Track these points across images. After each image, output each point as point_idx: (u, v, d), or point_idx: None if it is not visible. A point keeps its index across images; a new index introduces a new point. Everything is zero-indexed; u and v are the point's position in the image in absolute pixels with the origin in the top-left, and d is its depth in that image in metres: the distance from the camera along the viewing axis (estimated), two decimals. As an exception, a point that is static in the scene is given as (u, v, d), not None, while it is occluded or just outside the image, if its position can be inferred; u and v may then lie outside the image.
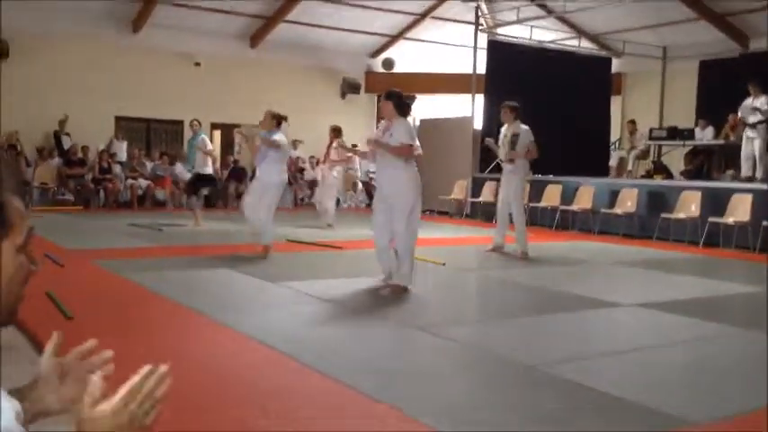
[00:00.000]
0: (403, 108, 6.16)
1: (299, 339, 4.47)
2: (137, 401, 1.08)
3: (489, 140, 9.24)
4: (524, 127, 8.48)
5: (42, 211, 13.28)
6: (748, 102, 11.59)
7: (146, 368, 1.13)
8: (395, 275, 6.10)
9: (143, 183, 15.09)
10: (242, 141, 16.59)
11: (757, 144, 11.51)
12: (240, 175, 15.82)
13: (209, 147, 11.43)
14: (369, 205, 16.97)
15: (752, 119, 11.51)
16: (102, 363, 1.25)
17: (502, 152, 8.72)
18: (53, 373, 1.22)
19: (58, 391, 1.22)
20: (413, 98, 6.63)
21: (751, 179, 11.42)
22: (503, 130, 8.73)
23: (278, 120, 8.11)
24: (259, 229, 8.00)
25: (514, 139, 8.43)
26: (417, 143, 6.14)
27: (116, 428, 1.05)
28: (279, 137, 7.94)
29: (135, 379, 1.10)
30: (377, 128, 6.71)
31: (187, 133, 15.99)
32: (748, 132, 11.65)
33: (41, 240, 8.96)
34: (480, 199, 14.20)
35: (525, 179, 8.75)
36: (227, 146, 17.31)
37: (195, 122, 11.53)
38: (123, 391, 1.08)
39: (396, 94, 6.17)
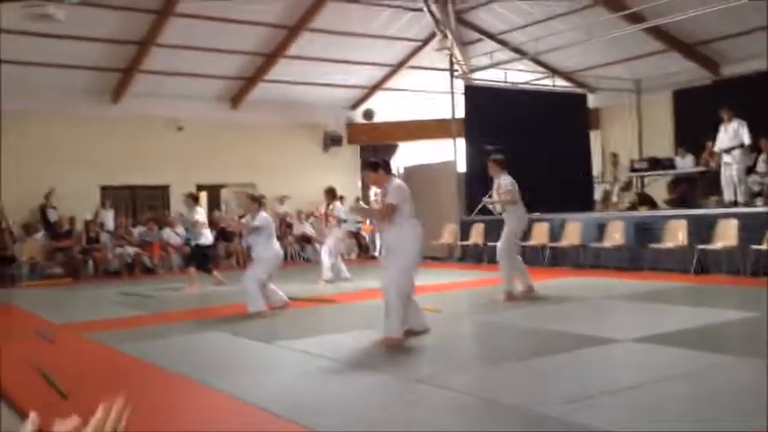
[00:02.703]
0: (390, 170, 6.37)
1: (296, 400, 4.43)
2: None
3: (486, 201, 9.45)
4: (504, 180, 8.66)
5: (32, 286, 13.19)
6: (722, 129, 11.83)
7: (102, 406, 1.11)
8: (384, 327, 6.09)
9: (131, 250, 15.03)
10: (229, 202, 16.73)
11: (734, 169, 11.68)
12: (228, 236, 15.81)
13: (198, 219, 11.38)
14: (359, 256, 17.00)
15: (727, 145, 11.73)
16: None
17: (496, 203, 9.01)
18: None
19: None
20: (395, 147, 6.75)
21: (735, 204, 11.54)
22: (495, 182, 8.91)
23: (258, 201, 8.58)
24: (249, 296, 8.11)
25: (499, 190, 8.68)
26: (393, 202, 6.17)
27: None
28: (260, 220, 8.28)
29: (97, 416, 1.09)
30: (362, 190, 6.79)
31: (174, 197, 16.10)
32: (725, 158, 11.85)
33: (32, 316, 8.88)
34: (470, 242, 14.25)
35: (519, 225, 8.81)
36: (214, 207, 17.36)
37: (187, 198, 11.54)
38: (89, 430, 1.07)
39: (381, 161, 6.39)
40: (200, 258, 11.43)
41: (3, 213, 14.48)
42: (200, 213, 11.40)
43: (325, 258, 11.48)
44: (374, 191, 6.49)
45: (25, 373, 5.39)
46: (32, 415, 1.18)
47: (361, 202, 16.81)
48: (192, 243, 11.65)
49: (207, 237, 11.40)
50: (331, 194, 11.72)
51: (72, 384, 4.92)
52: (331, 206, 11.64)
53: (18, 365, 5.78)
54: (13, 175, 14.62)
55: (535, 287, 8.76)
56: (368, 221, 16.23)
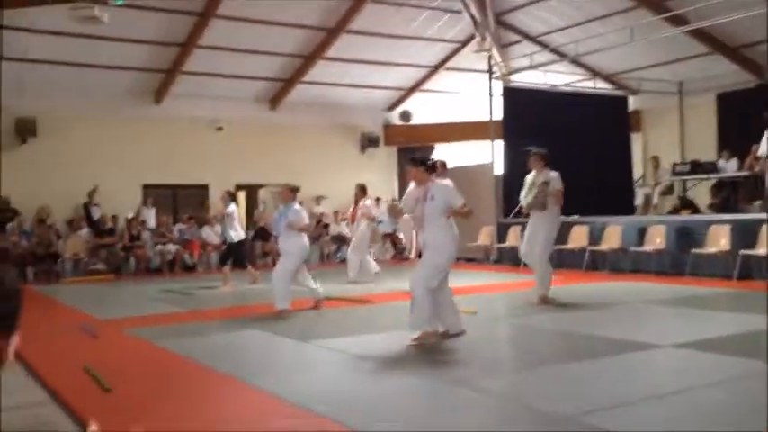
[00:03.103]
0: (433, 169, 6.45)
1: (334, 399, 4.46)
2: None
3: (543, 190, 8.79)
4: (554, 173, 8.39)
5: (75, 282, 13.49)
6: (766, 133, 11.57)
7: None
8: (410, 322, 6.17)
9: (172, 248, 15.28)
10: (267, 201, 16.89)
11: None
12: (266, 235, 15.97)
13: (235, 216, 11.56)
14: (394, 257, 17.02)
15: None
16: None
17: (527, 199, 8.64)
18: None
19: None
20: (431, 148, 6.85)
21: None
22: (529, 177, 8.66)
23: (295, 192, 8.73)
24: (276, 293, 8.25)
25: (544, 187, 8.36)
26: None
27: None
28: (297, 210, 8.48)
29: None
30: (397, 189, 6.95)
31: (212, 196, 16.31)
32: None
33: (75, 312, 9.09)
34: (506, 244, 14.19)
35: (556, 227, 8.63)
36: (252, 207, 17.54)
37: (225, 195, 11.71)
38: None
39: (422, 160, 6.48)
40: (236, 254, 11.61)
41: (47, 211, 14.86)
42: (231, 209, 11.50)
43: (352, 257, 11.57)
44: (412, 185, 6.56)
45: (69, 367, 5.52)
46: (94, 427, 1.21)
47: (396, 201, 16.78)
48: (227, 241, 11.76)
49: (238, 233, 11.52)
50: (362, 191, 11.83)
51: (115, 379, 5.03)
52: (361, 203, 11.73)
53: (62, 359, 5.93)
54: (58, 173, 15.02)
55: (564, 292, 8.66)
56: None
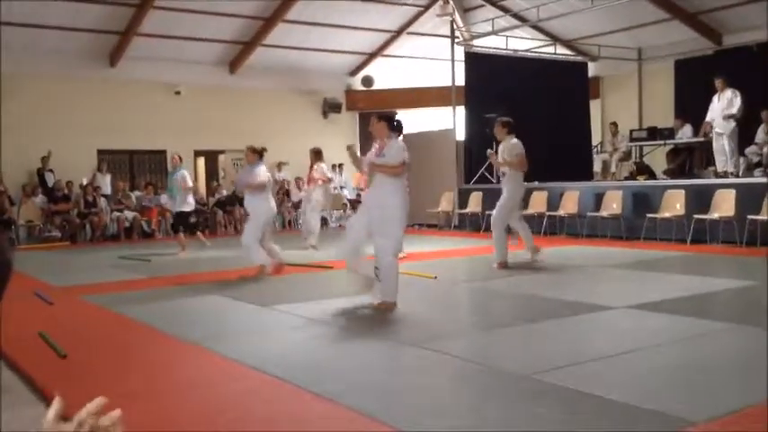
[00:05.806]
0: (395, 127, 6.35)
1: (293, 363, 4.46)
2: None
3: (490, 152, 9.30)
4: (514, 140, 8.58)
5: (29, 248, 13.21)
6: (715, 98, 11.81)
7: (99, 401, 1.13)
8: (379, 292, 6.14)
9: (129, 214, 15.03)
10: (227, 168, 16.69)
11: (725, 140, 11.67)
12: (226, 202, 15.82)
13: (189, 183, 11.43)
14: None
15: (719, 114, 11.70)
16: (111, 423, 1.15)
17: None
18: None
19: None
20: (393, 114, 6.84)
21: (729, 174, 11.54)
22: (501, 146, 8.83)
23: (259, 153, 8.73)
24: (251, 252, 8.44)
25: (510, 153, 8.61)
26: (405, 160, 6.22)
27: None
28: (262, 174, 8.51)
29: (90, 408, 1.11)
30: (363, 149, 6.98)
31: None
32: (716, 128, 11.84)
33: (30, 279, 8.91)
34: (467, 210, 14.27)
35: (519, 191, 8.78)
36: (212, 173, 17.31)
37: (175, 157, 11.54)
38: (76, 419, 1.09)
39: (387, 115, 6.49)
40: (185, 224, 11.56)
41: (1, 178, 14.44)
42: (182, 174, 11.35)
43: (313, 222, 11.55)
44: (374, 146, 6.51)
45: (24, 334, 5.42)
46: (57, 399, 1.18)
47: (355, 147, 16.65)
48: (175, 210, 11.64)
49: (189, 203, 11.42)
50: (316, 155, 11.76)
51: (71, 345, 4.96)
52: (315, 166, 11.67)
53: (17, 326, 5.82)
54: (9, 136, 14.56)
55: (523, 256, 8.86)
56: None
